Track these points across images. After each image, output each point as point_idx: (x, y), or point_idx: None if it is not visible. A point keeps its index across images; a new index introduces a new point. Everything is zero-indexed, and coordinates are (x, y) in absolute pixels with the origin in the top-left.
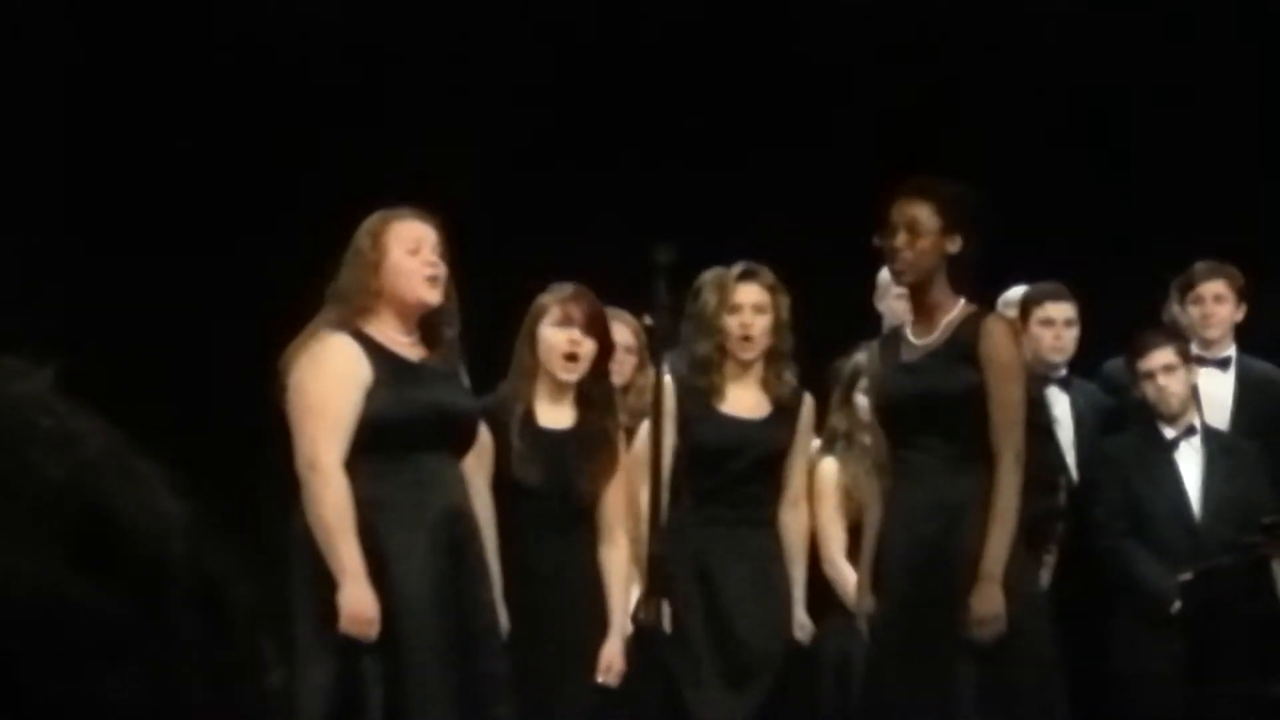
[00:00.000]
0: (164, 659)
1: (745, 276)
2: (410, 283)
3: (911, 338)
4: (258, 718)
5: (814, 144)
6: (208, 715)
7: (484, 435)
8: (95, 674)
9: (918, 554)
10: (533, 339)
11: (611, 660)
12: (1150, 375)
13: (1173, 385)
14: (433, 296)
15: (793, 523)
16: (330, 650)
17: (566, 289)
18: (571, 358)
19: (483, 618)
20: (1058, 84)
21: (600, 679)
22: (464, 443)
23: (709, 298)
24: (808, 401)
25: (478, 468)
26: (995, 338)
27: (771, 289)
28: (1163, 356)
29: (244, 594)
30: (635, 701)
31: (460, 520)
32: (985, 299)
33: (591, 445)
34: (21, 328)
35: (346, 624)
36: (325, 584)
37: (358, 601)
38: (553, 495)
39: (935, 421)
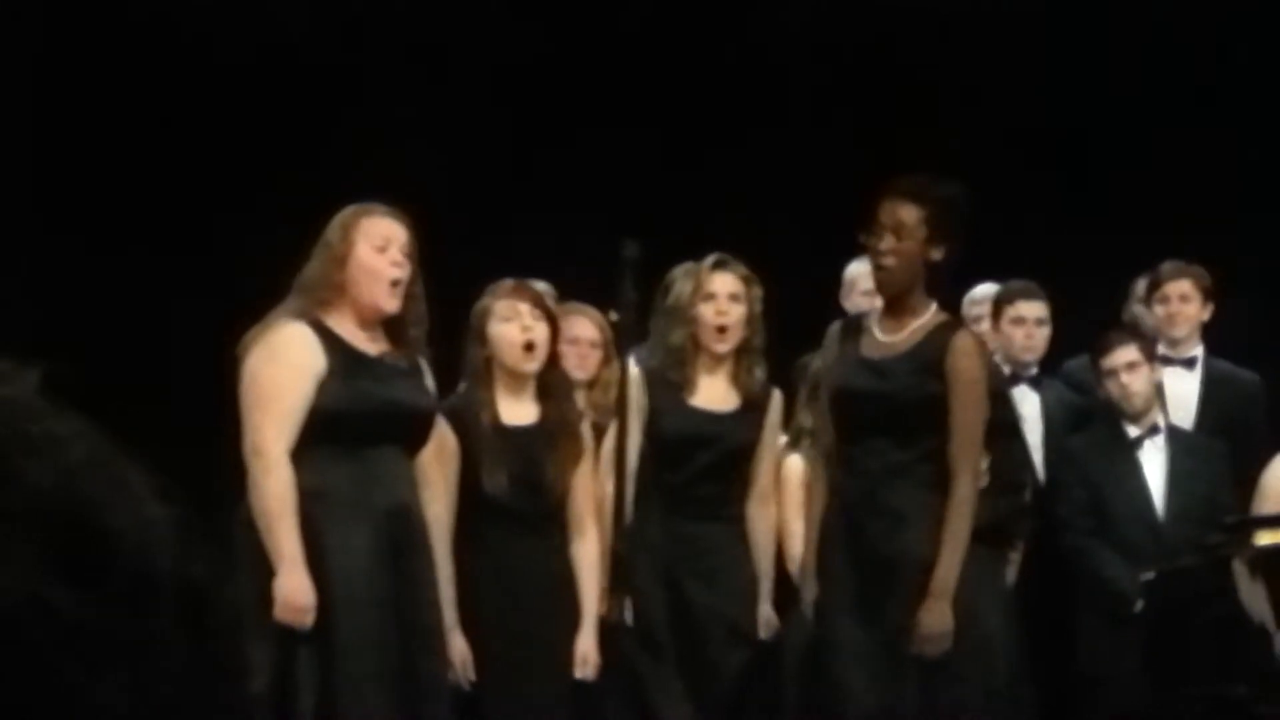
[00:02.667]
0: (151, 666)
1: (719, 266)
2: (373, 284)
3: (878, 333)
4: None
5: (781, 141)
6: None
7: (447, 435)
8: (83, 681)
9: (862, 554)
10: (483, 340)
11: (587, 653)
12: (1113, 373)
13: (1135, 383)
14: (390, 305)
15: (760, 519)
16: (266, 637)
17: (505, 284)
18: (529, 346)
19: (424, 616)
20: (1028, 81)
21: (577, 673)
22: (416, 440)
23: (683, 287)
24: (776, 397)
25: (437, 467)
26: (963, 355)
27: (746, 280)
28: (1126, 354)
29: (229, 599)
30: (602, 697)
31: (406, 517)
32: (953, 295)
33: (557, 438)
34: None
35: (281, 611)
36: (265, 571)
37: (293, 589)
38: (523, 498)
39: (890, 424)
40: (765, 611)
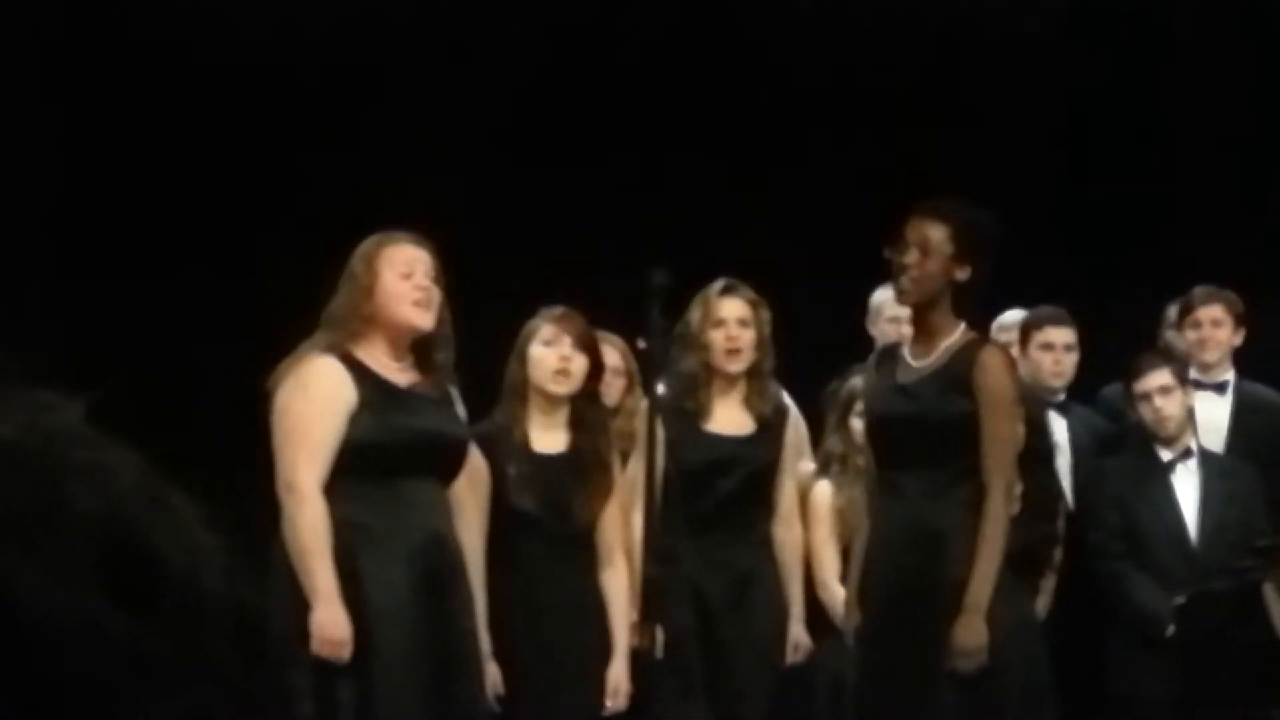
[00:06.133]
0: (200, 692)
1: (727, 291)
2: (401, 306)
3: (909, 358)
4: None
5: (808, 168)
6: None
7: (479, 462)
8: (133, 708)
9: (901, 578)
10: (523, 359)
11: (618, 683)
12: (1146, 397)
13: (1169, 407)
14: (423, 321)
15: (787, 540)
16: (306, 666)
17: (555, 310)
18: (563, 372)
19: (463, 645)
20: (1055, 106)
21: (609, 703)
22: (450, 469)
23: (692, 314)
24: (792, 417)
25: (470, 494)
26: (991, 369)
27: (754, 304)
28: (1159, 378)
29: (276, 625)
30: None
31: (442, 547)
32: (982, 321)
33: (586, 469)
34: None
35: (318, 645)
36: (301, 605)
37: (330, 623)
38: (550, 521)
39: (925, 446)
40: (796, 633)
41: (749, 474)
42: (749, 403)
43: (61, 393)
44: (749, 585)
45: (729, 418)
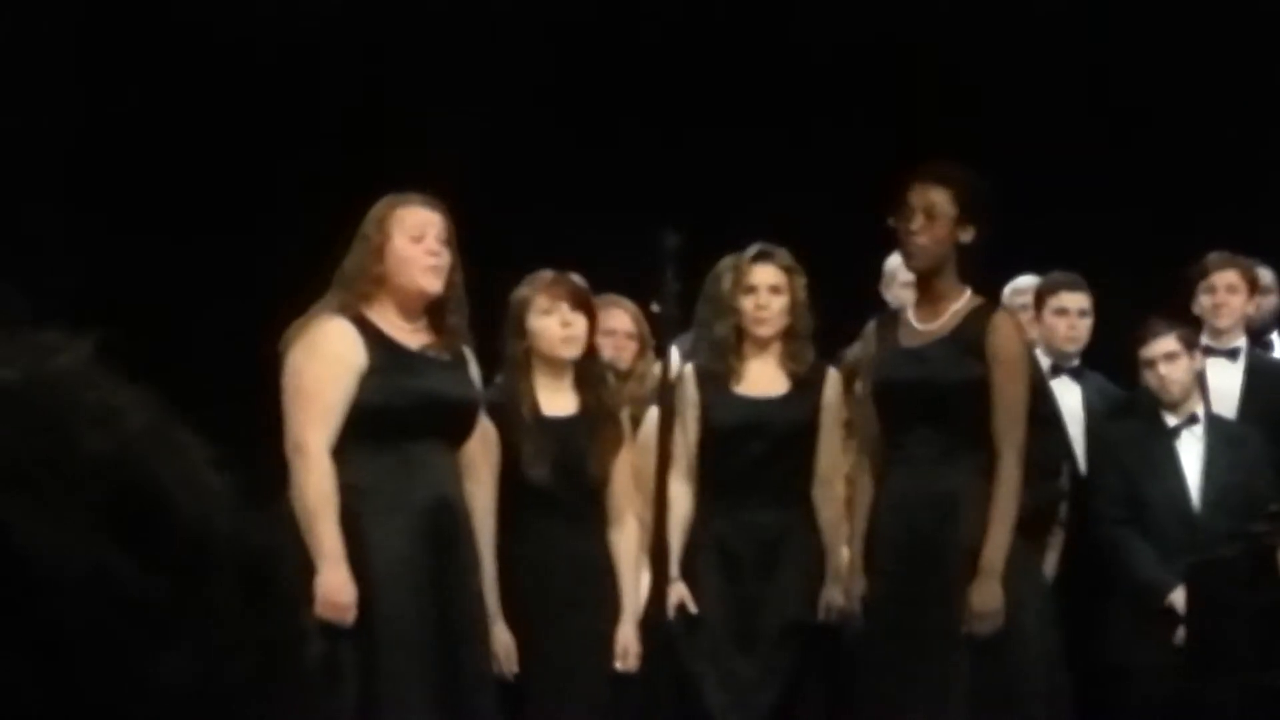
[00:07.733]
0: (210, 638)
1: (760, 258)
2: (412, 270)
3: (915, 323)
4: (299, 692)
5: (822, 128)
6: (252, 692)
7: (489, 426)
8: (143, 655)
9: (913, 542)
10: (522, 332)
11: (627, 644)
12: (1152, 363)
13: (1174, 373)
14: (433, 285)
15: (824, 500)
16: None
17: (544, 276)
18: (569, 338)
19: (469, 608)
20: (1071, 68)
21: (618, 664)
22: (459, 432)
23: (725, 279)
24: (831, 376)
25: (483, 458)
26: (1003, 334)
27: (788, 270)
28: (1165, 344)
29: (286, 568)
30: (651, 691)
31: (448, 510)
32: (993, 286)
33: (598, 427)
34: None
35: (322, 608)
36: (306, 567)
37: (334, 586)
38: (564, 487)
39: (937, 410)
40: (829, 594)
41: (779, 435)
42: (783, 364)
43: (69, 333)
44: (779, 547)
45: (761, 379)
